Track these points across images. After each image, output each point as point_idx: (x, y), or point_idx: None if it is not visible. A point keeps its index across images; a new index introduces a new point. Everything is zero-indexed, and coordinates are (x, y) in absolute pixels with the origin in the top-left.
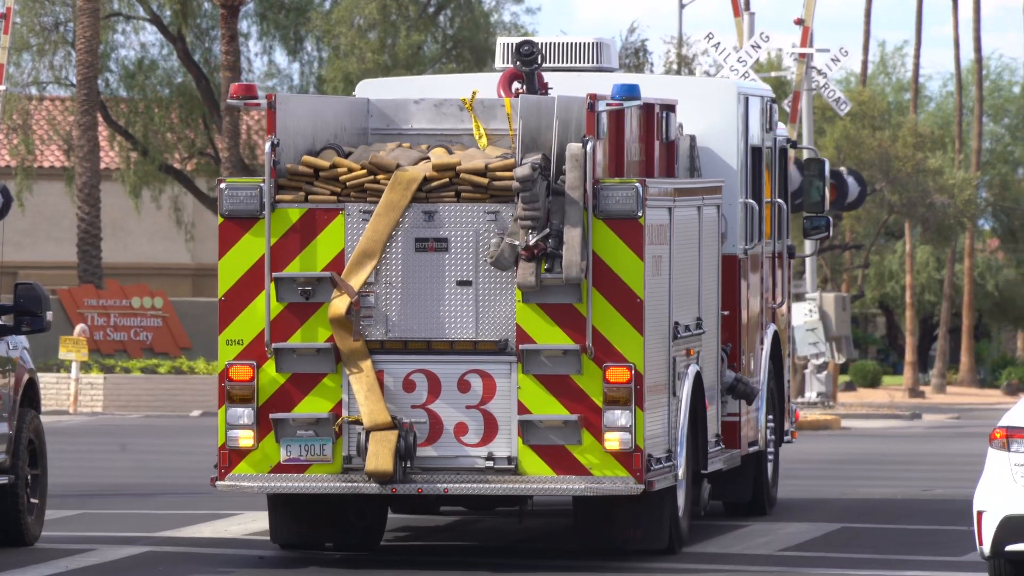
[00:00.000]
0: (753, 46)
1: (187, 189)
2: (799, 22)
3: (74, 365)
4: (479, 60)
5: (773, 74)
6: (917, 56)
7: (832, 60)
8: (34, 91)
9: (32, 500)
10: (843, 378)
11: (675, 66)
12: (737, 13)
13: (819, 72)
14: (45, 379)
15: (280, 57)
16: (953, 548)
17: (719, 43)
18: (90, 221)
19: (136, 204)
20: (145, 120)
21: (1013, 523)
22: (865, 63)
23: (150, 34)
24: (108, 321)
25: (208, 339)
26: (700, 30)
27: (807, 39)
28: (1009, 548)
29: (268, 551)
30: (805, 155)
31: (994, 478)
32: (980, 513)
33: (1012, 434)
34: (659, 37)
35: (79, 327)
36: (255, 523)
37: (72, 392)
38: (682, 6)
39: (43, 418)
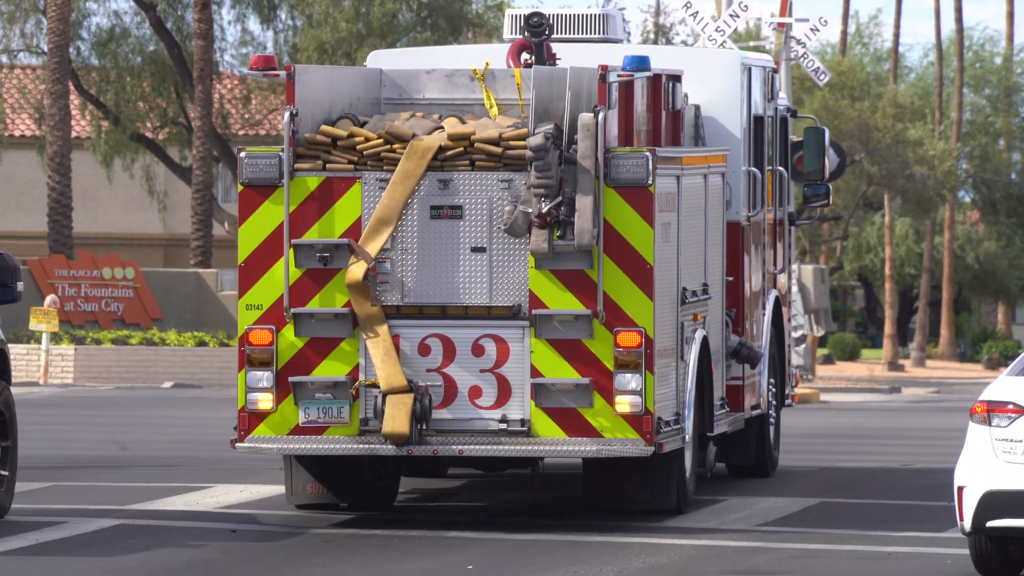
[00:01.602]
0: (732, 15)
1: (159, 159)
2: None
3: (44, 336)
4: (454, 29)
5: (752, 44)
6: (897, 26)
7: (811, 30)
8: (4, 59)
9: (2, 472)
10: (822, 351)
11: (652, 35)
12: None
13: (798, 42)
14: (15, 350)
15: (254, 25)
16: (933, 523)
17: (697, 12)
18: (61, 191)
19: (107, 173)
20: (117, 89)
21: (994, 498)
22: (844, 33)
23: (122, 1)
24: (79, 292)
25: (180, 310)
26: None
27: (786, 8)
28: (990, 523)
29: (240, 524)
30: (805, 124)
31: (975, 453)
32: (961, 488)
33: (993, 408)
34: (636, 6)
35: (50, 298)
36: (227, 496)
37: (43, 363)
38: None
39: (13, 389)
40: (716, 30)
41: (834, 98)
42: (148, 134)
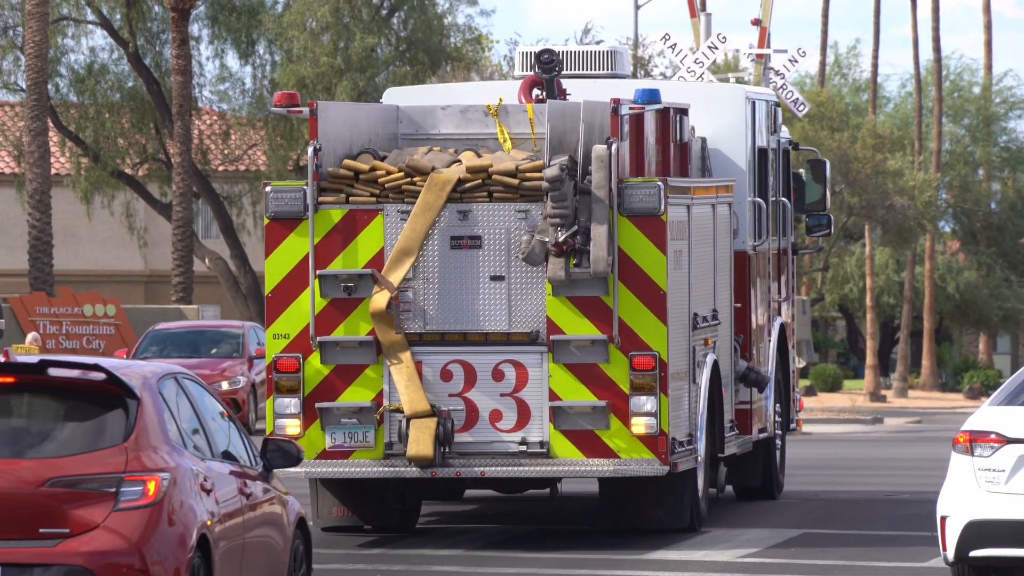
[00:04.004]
0: (710, 47)
1: (139, 195)
2: (756, 23)
3: None
4: (433, 62)
5: (730, 75)
6: (875, 57)
7: (790, 61)
8: None
9: None
10: (803, 382)
11: (630, 68)
12: (693, 14)
13: (777, 73)
14: None
15: (232, 61)
16: (917, 554)
17: (675, 44)
18: (41, 228)
19: (87, 210)
20: (96, 125)
21: (977, 528)
22: (823, 64)
23: (100, 38)
24: (60, 329)
25: None
26: (656, 31)
27: (764, 40)
28: (973, 553)
29: None
30: (807, 157)
31: (958, 483)
32: (944, 518)
33: (976, 438)
34: (614, 39)
35: (31, 335)
36: None
37: None
38: (637, 7)
39: None
40: (695, 62)
41: (813, 129)
42: (128, 170)
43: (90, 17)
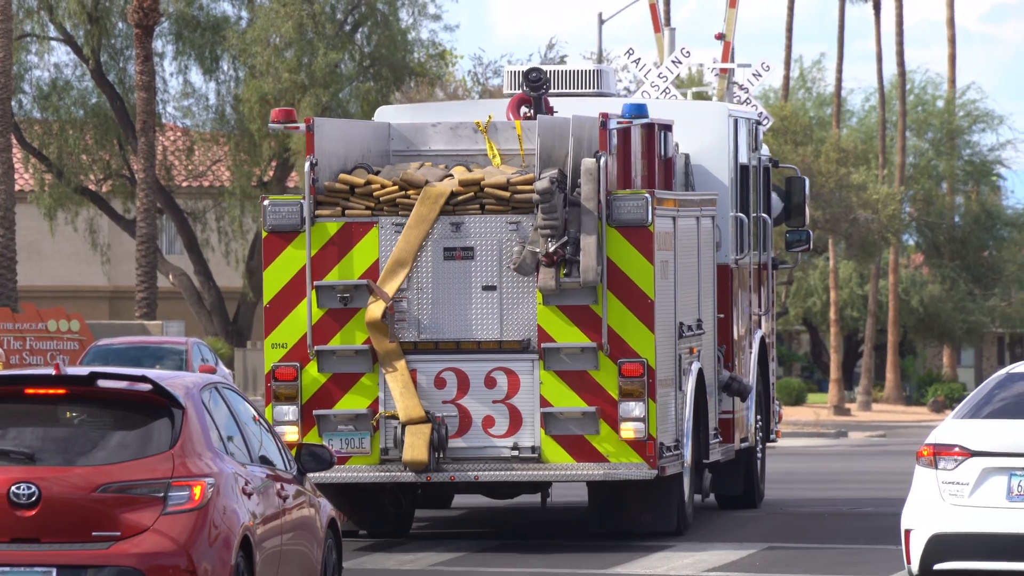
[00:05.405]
0: (674, 62)
1: (103, 211)
2: (720, 37)
3: None
4: (397, 78)
5: (694, 90)
6: (839, 71)
7: (754, 75)
8: None
9: None
10: None
11: None
12: (657, 29)
13: (741, 87)
14: None
15: (196, 77)
16: (881, 567)
17: (639, 59)
18: (5, 244)
19: (51, 226)
20: (59, 142)
21: (941, 541)
22: (787, 78)
23: (63, 54)
24: (24, 345)
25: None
26: (620, 46)
27: (728, 54)
28: (937, 566)
29: None
30: (787, 174)
31: (922, 496)
32: (908, 531)
33: (939, 451)
34: (579, 53)
35: None
36: None
37: None
38: (602, 22)
39: None
40: (659, 76)
41: (777, 143)
42: (91, 187)
43: (53, 33)
